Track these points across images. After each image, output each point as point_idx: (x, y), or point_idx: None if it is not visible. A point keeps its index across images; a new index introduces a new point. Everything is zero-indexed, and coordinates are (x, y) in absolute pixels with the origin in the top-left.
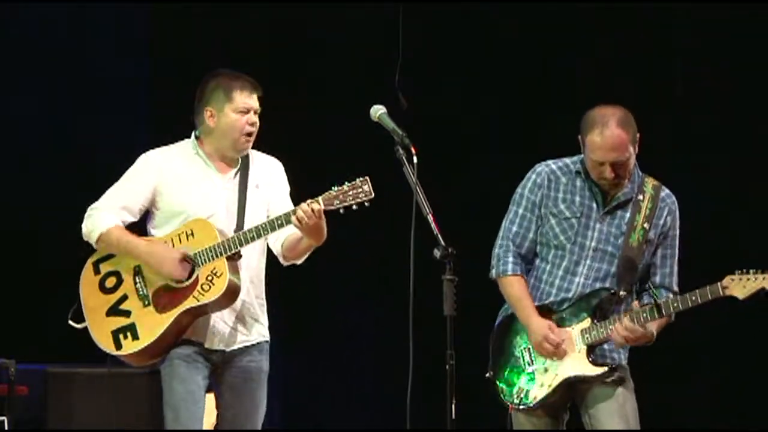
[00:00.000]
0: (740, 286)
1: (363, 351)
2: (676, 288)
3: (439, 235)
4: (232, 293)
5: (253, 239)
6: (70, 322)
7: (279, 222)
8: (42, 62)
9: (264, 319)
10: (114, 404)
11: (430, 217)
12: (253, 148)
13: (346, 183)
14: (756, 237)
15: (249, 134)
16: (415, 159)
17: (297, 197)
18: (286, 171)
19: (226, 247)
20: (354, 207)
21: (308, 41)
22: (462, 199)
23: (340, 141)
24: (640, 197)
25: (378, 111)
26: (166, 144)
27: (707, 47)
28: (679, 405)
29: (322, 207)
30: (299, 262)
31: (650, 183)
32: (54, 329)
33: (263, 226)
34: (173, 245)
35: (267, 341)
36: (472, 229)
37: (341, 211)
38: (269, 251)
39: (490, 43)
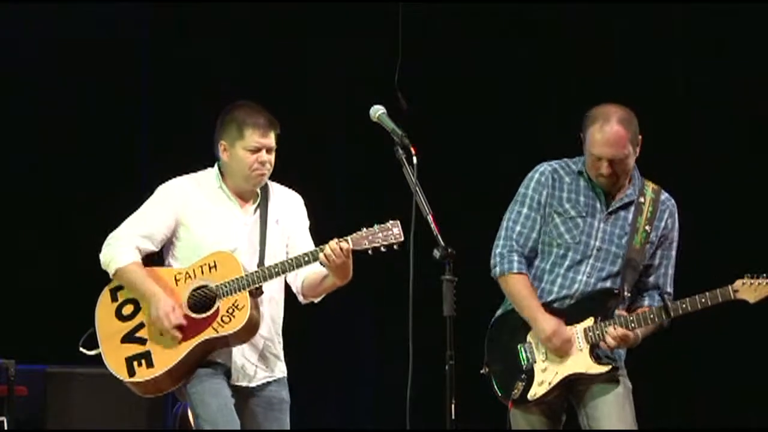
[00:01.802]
0: (751, 290)
1: (363, 351)
2: (669, 289)
3: (438, 236)
4: (252, 327)
5: (277, 274)
6: (82, 349)
7: (306, 259)
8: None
9: (282, 355)
10: (113, 404)
11: (429, 218)
12: None
13: (376, 224)
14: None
15: (261, 173)
16: (414, 159)
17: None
18: (285, 169)
19: (250, 281)
20: (382, 249)
21: (307, 41)
22: (462, 200)
23: (339, 141)
24: (641, 200)
25: (378, 111)
26: (165, 149)
27: (706, 47)
28: (676, 405)
29: (351, 246)
30: (317, 300)
31: (650, 186)
32: (54, 330)
33: (289, 262)
34: (195, 277)
35: (286, 376)
36: (472, 230)
37: (369, 252)
38: (287, 289)
39: (490, 43)
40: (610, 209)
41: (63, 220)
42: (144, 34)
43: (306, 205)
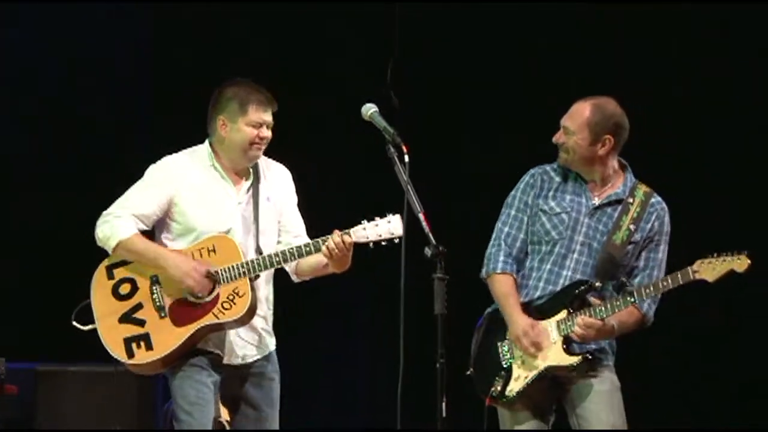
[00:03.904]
0: (710, 269)
1: (354, 349)
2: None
3: (430, 234)
4: (251, 313)
5: (278, 264)
6: (75, 323)
7: (308, 249)
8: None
9: (272, 329)
10: (104, 403)
11: (421, 216)
12: None
13: (377, 218)
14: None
15: (259, 147)
16: (406, 158)
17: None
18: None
19: (251, 268)
20: (383, 243)
21: (301, 40)
22: (453, 198)
23: (331, 139)
24: (630, 200)
25: (369, 110)
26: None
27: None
28: (666, 404)
29: (353, 240)
30: (308, 278)
31: (642, 189)
32: (44, 328)
33: (290, 251)
34: (194, 260)
35: (275, 349)
36: (463, 228)
37: (371, 245)
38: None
39: (484, 43)
40: (596, 205)
41: (54, 217)
42: (145, 33)
43: (298, 204)
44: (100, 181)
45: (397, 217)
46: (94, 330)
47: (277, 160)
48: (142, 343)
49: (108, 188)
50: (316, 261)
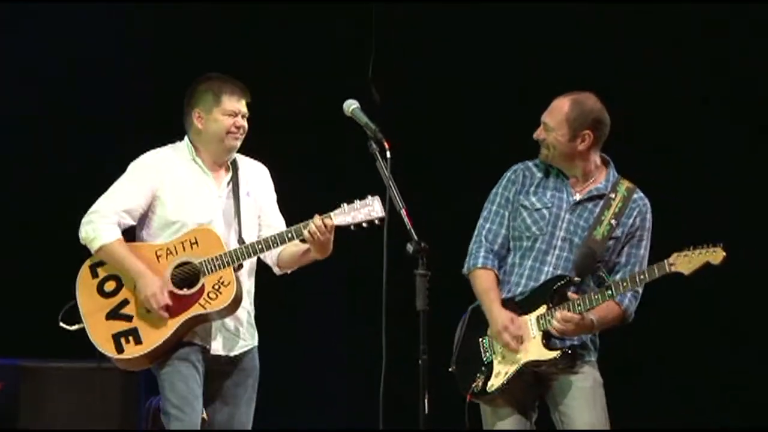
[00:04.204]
0: (686, 261)
1: (336, 345)
2: (639, 288)
3: (412, 230)
4: (237, 302)
5: (261, 251)
6: (62, 324)
7: (289, 235)
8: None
9: (254, 323)
10: (88, 399)
11: (403, 212)
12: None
13: (357, 200)
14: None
15: (236, 136)
16: (388, 154)
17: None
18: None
19: (234, 257)
20: (364, 225)
21: (281, 35)
22: (435, 195)
23: (312, 136)
24: (612, 195)
25: (351, 106)
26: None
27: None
28: (649, 400)
29: (334, 223)
30: (290, 271)
31: (625, 185)
32: (28, 324)
33: (273, 238)
34: (176, 253)
35: (257, 344)
36: (445, 225)
37: (352, 227)
38: (258, 261)
39: (464, 38)
40: (578, 200)
41: (40, 214)
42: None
43: (279, 202)
44: (91, 180)
45: (377, 198)
46: (82, 329)
47: (259, 158)
48: (131, 338)
49: (99, 188)
50: (297, 249)
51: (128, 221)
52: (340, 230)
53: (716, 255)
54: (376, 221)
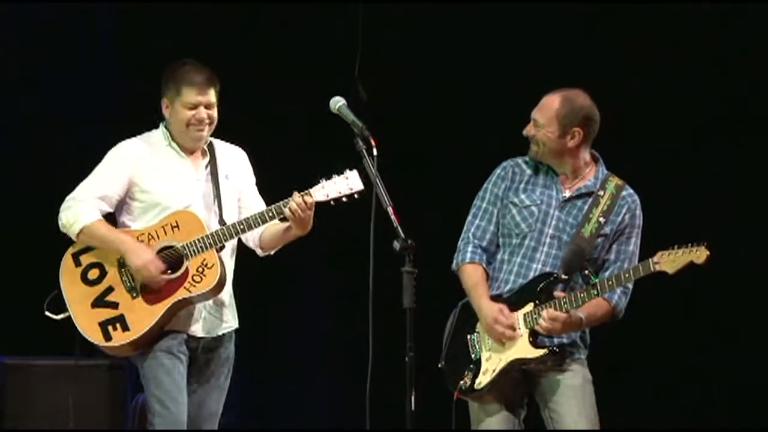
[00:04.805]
0: (670, 260)
1: (322, 343)
2: (629, 285)
3: (398, 228)
4: (222, 284)
5: (242, 231)
6: (47, 313)
7: (270, 214)
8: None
9: (234, 306)
10: (73, 396)
11: (390, 210)
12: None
13: (335, 175)
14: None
15: (199, 128)
16: (375, 151)
17: (258, 189)
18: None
19: (217, 239)
20: (344, 199)
21: (270, 32)
22: (422, 192)
23: (299, 132)
24: (601, 192)
25: (337, 103)
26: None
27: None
28: (638, 397)
29: (315, 199)
30: (273, 252)
31: (613, 181)
32: (12, 320)
33: (254, 218)
34: (158, 237)
35: (236, 328)
36: (432, 222)
37: (332, 203)
38: (240, 245)
39: (453, 36)
40: (567, 198)
41: (24, 212)
42: (111, 25)
43: (264, 197)
44: (74, 177)
45: (355, 172)
46: (68, 318)
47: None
48: (118, 325)
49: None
50: (278, 227)
51: (105, 208)
52: (321, 206)
53: (700, 254)
54: (356, 195)
